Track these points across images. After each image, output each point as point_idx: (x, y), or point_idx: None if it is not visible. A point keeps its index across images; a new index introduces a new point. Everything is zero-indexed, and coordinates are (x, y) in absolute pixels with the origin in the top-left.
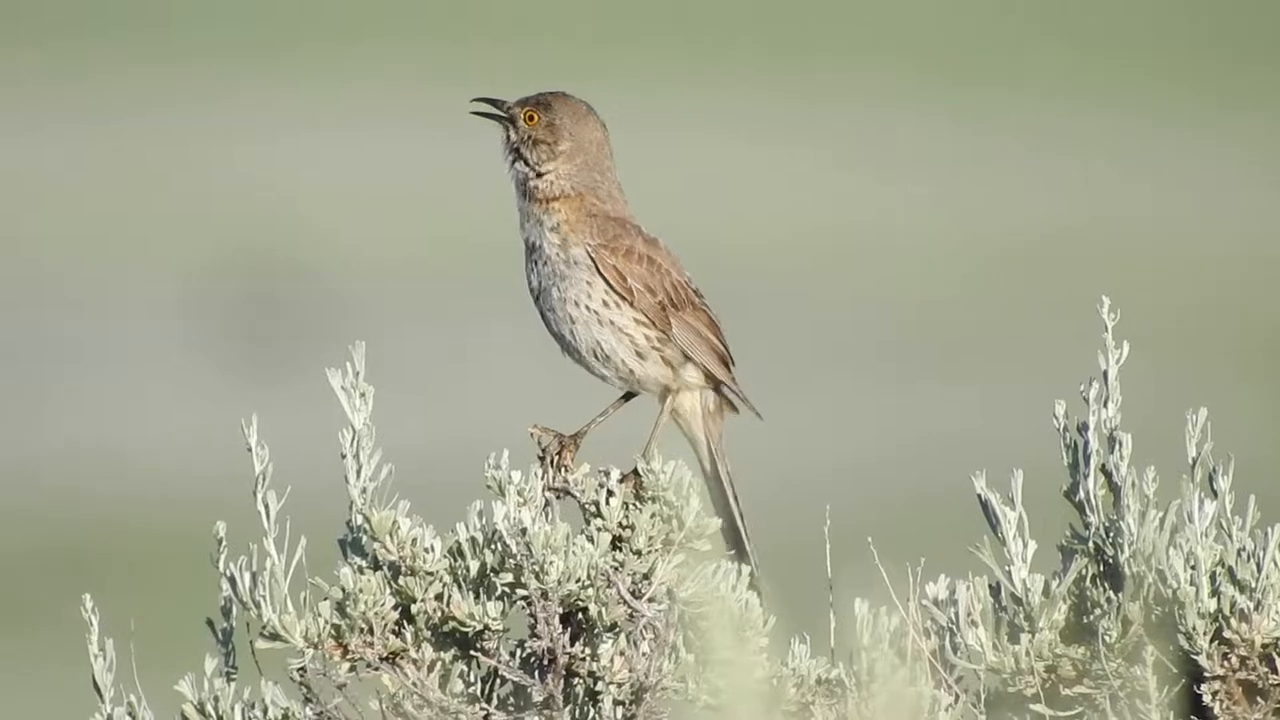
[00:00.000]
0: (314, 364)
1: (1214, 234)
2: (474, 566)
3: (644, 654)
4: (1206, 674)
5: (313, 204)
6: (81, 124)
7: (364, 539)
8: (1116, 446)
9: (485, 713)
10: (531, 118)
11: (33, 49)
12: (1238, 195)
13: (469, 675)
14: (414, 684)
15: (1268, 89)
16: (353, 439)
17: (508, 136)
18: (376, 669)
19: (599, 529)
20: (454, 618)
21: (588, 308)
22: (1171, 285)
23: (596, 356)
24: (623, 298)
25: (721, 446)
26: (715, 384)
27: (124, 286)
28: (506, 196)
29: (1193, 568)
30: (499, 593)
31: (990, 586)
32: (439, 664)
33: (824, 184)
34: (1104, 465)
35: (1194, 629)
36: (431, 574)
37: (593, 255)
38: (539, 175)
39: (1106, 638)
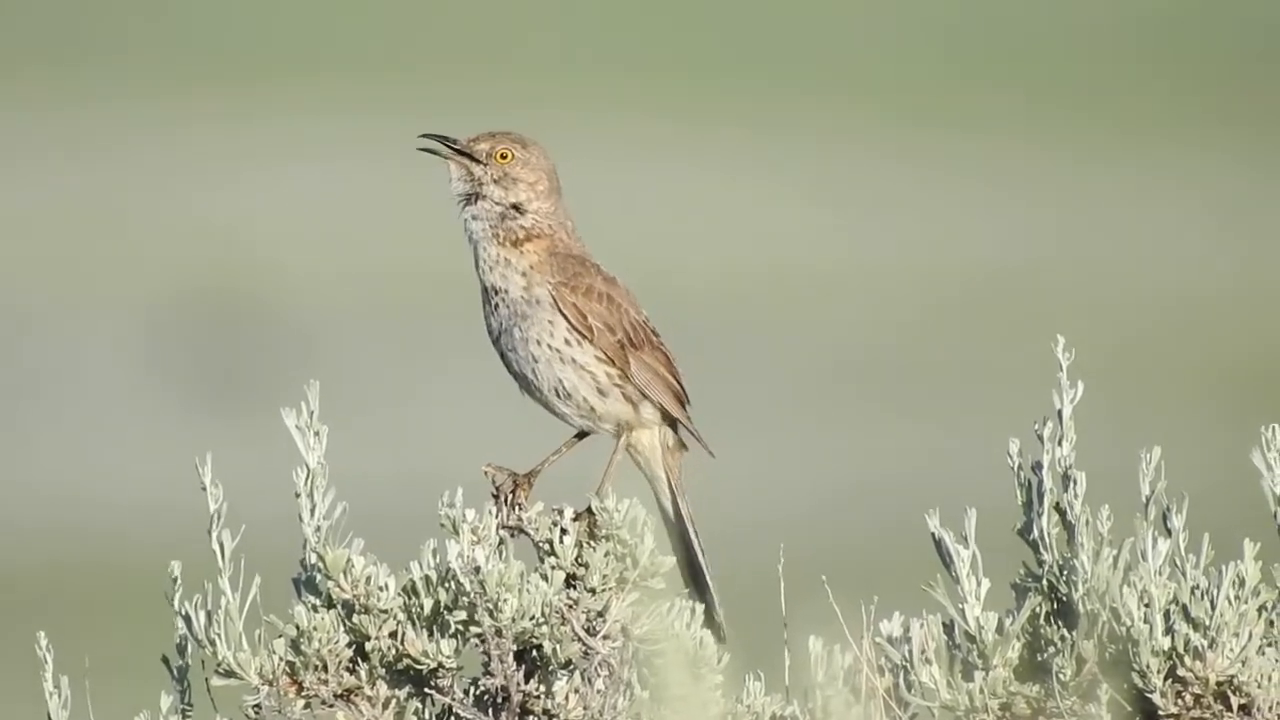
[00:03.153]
0: (273, 398)
1: (1166, 271)
2: (428, 604)
3: (599, 691)
4: (1161, 712)
5: (272, 239)
6: (41, 160)
7: (318, 577)
8: (1071, 484)
9: None
10: (505, 155)
11: None
12: (1189, 234)
13: (424, 713)
14: None
15: (1214, 131)
16: (307, 477)
17: (471, 174)
18: (331, 706)
19: (553, 567)
20: (408, 655)
21: (550, 346)
22: (1124, 322)
23: (559, 395)
24: (584, 336)
25: (681, 483)
26: (671, 422)
27: (82, 322)
28: (463, 229)
29: (1146, 605)
30: (453, 630)
31: (944, 624)
32: (394, 701)
33: (779, 221)
34: (1058, 503)
35: (1148, 667)
36: (385, 612)
37: (554, 294)
38: (521, 214)
39: (1061, 675)
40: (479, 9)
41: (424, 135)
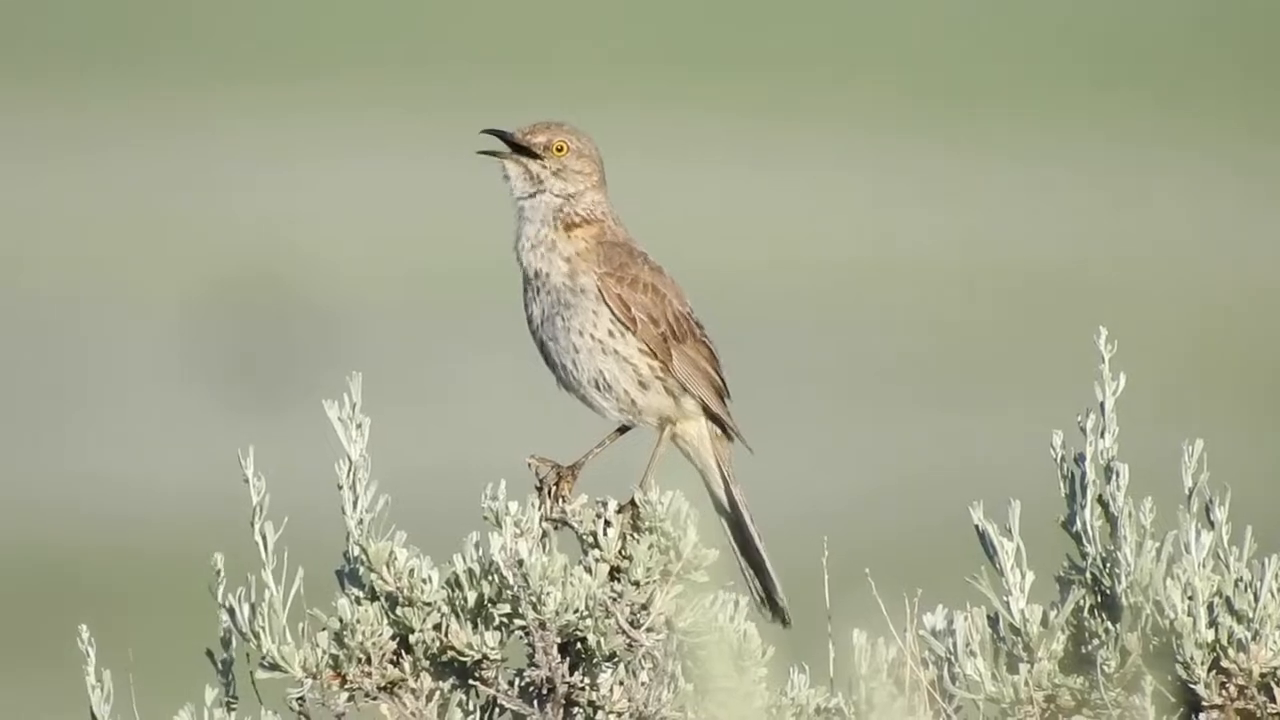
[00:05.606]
0: (312, 391)
1: (1219, 268)
2: (471, 597)
3: (643, 684)
4: (1205, 703)
5: (309, 232)
6: (77, 154)
7: (361, 569)
8: (1114, 477)
9: None
10: (561, 148)
11: (27, 82)
12: (1245, 229)
13: (468, 704)
14: (413, 714)
15: (1269, 125)
16: (349, 470)
17: (529, 172)
18: (375, 699)
19: (596, 560)
20: (452, 647)
21: (593, 336)
22: (1175, 318)
23: (598, 387)
24: (627, 327)
25: (733, 470)
26: (711, 416)
27: (122, 315)
28: (502, 223)
29: (1190, 598)
30: (497, 623)
31: (988, 617)
32: (438, 693)
33: (827, 215)
34: (1101, 496)
35: (1192, 659)
36: (429, 604)
37: (599, 284)
38: (576, 203)
39: (1105, 668)
40: (519, 4)
41: (485, 131)
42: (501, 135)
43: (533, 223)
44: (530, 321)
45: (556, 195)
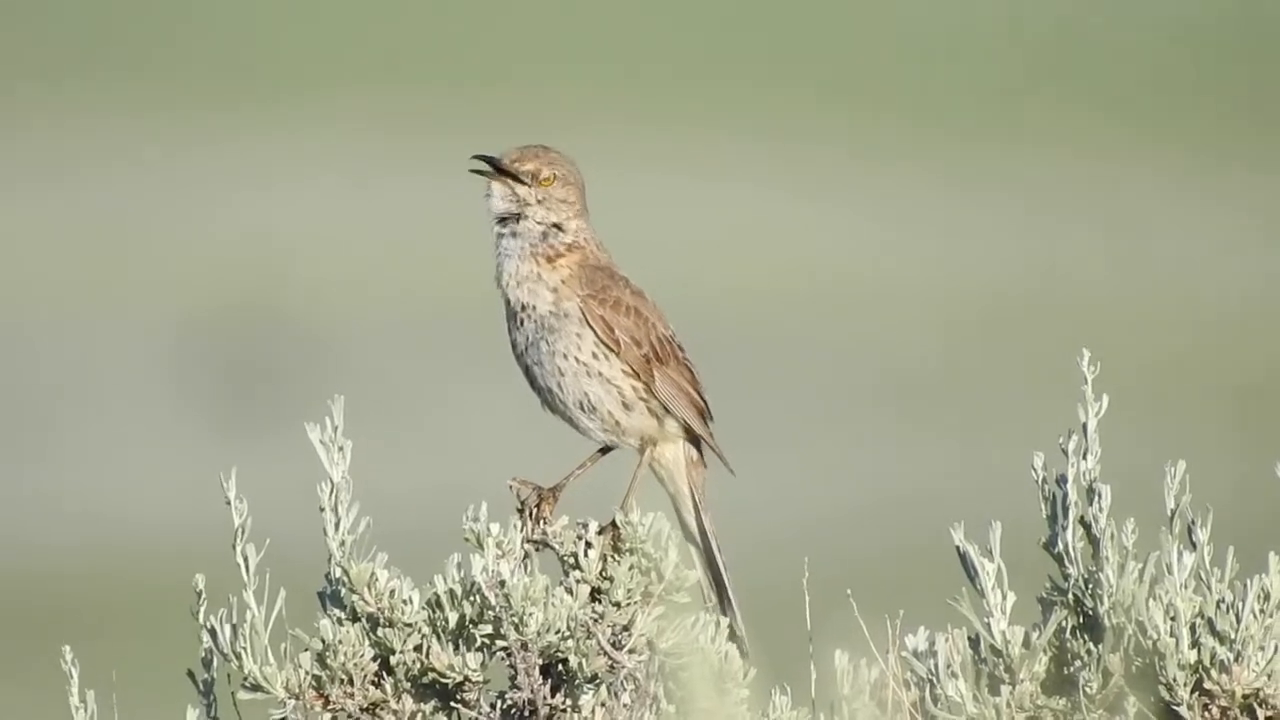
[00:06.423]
0: (297, 413)
1: (1196, 289)
2: (453, 618)
3: (625, 705)
4: None
5: (297, 253)
6: (66, 175)
7: (343, 591)
8: (1095, 498)
9: None
10: (548, 178)
11: (18, 100)
12: (1228, 251)
13: None
14: None
15: (1249, 146)
16: (331, 492)
17: (515, 194)
18: None
19: (578, 581)
20: (434, 669)
21: (577, 359)
22: (1152, 340)
23: (583, 409)
24: (610, 349)
25: (705, 498)
26: (694, 438)
27: (107, 338)
28: (490, 245)
29: (1172, 619)
30: (478, 644)
31: (970, 638)
32: (419, 715)
33: (811, 235)
34: (1083, 517)
35: (1174, 680)
36: (410, 625)
37: (582, 306)
38: (562, 232)
39: (1087, 689)
40: (513, 23)
41: (474, 158)
42: (489, 161)
43: (512, 258)
44: (514, 347)
45: (539, 222)
